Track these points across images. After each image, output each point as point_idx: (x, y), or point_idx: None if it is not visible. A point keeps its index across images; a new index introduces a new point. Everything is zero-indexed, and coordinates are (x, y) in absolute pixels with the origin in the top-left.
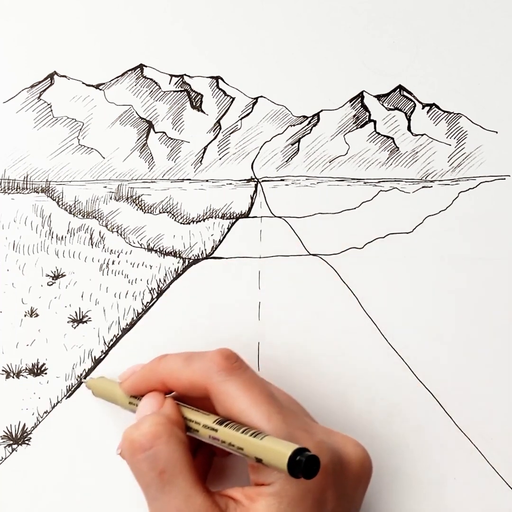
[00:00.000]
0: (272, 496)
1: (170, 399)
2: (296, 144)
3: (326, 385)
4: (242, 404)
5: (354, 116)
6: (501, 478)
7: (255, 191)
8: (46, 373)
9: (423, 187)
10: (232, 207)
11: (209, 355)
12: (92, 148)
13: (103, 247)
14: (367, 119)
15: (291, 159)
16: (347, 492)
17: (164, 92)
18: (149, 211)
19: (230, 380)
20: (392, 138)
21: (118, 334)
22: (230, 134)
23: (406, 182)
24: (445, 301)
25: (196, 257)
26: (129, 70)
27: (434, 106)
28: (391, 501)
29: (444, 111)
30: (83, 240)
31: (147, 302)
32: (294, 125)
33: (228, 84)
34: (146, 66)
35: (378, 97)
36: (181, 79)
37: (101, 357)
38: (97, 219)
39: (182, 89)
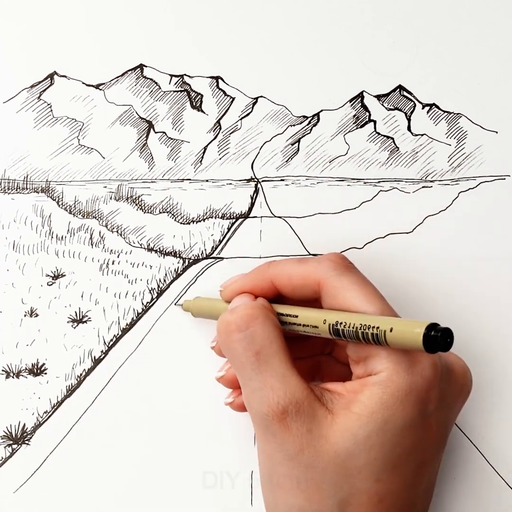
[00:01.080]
0: (377, 385)
1: (262, 297)
2: (296, 144)
3: None
4: (356, 299)
5: (354, 116)
6: (501, 478)
7: (255, 191)
8: (46, 373)
9: (423, 187)
10: (232, 207)
11: (323, 256)
12: (92, 148)
13: (103, 247)
14: (367, 119)
15: (291, 159)
16: (449, 398)
17: (164, 92)
18: (149, 211)
19: (345, 275)
20: (392, 138)
21: (118, 334)
22: (230, 134)
23: (406, 182)
24: (445, 301)
25: (196, 257)
26: (129, 70)
27: (434, 106)
28: None
29: (444, 111)
30: (83, 240)
31: (147, 302)
32: (294, 125)
33: (228, 84)
34: (146, 66)
35: (378, 97)
36: (181, 79)
37: (101, 357)
38: (97, 219)
39: (182, 89)
